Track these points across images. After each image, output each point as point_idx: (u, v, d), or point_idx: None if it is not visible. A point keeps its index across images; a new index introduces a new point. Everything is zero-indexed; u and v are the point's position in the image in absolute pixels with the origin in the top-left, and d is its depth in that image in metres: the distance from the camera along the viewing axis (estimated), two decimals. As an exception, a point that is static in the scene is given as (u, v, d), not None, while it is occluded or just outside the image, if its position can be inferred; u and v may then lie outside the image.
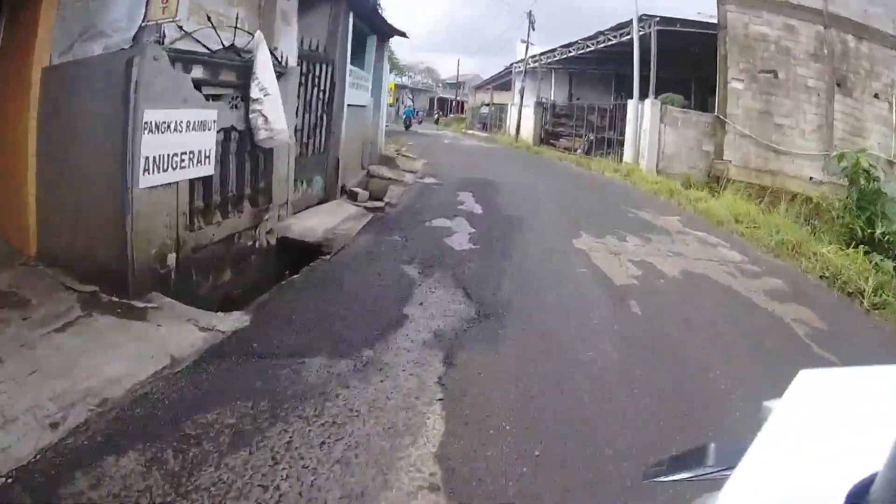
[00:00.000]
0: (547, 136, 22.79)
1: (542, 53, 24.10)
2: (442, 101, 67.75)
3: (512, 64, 28.42)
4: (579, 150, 19.11)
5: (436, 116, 49.30)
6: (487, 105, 35.99)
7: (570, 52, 20.70)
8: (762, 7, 12.47)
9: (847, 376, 0.95)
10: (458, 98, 58.88)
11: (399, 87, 61.85)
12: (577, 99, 24.65)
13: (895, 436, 0.54)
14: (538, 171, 14.00)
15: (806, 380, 0.89)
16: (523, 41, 27.19)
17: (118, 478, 2.07)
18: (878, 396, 0.84)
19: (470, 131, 34.04)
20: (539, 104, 23.58)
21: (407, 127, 31.70)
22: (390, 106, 53.51)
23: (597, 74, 24.96)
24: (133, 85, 3.42)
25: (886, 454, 0.54)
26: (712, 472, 0.88)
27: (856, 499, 0.57)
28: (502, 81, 33.76)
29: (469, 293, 4.46)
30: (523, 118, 24.34)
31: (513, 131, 25.45)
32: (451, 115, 53.39)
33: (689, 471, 0.93)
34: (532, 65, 24.98)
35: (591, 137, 18.88)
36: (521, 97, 24.64)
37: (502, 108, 30.93)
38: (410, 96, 66.12)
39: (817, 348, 4.06)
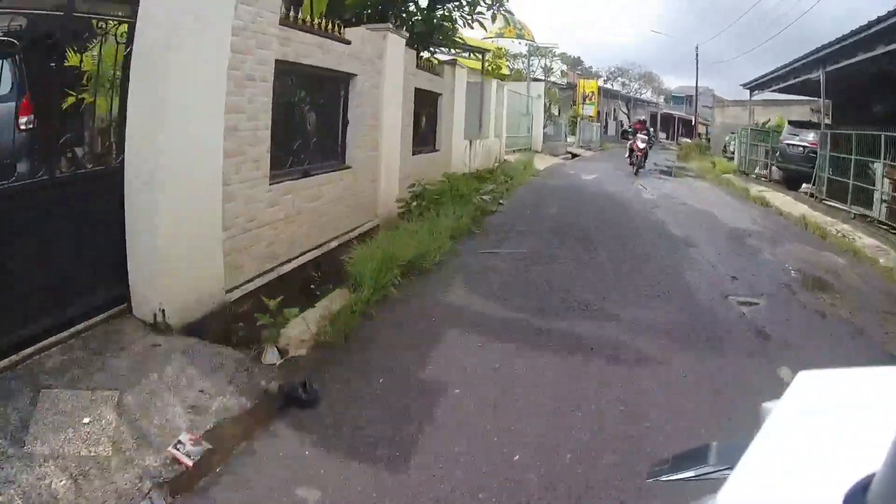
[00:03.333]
0: None
1: None
2: (667, 117, 47.98)
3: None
4: None
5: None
6: (800, 127, 16.97)
7: None
8: None
9: (846, 377, 0.94)
10: (695, 116, 39.05)
11: (605, 94, 40.68)
12: None
13: (893, 436, 0.53)
14: None
15: (804, 380, 0.90)
16: None
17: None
18: (877, 397, 0.83)
19: (763, 192, 15.69)
20: None
21: (636, 167, 16.56)
22: (591, 121, 35.22)
23: None
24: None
25: (884, 455, 0.53)
26: (714, 472, 0.88)
27: (854, 499, 0.57)
28: (833, 71, 13.18)
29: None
30: None
31: None
32: (688, 140, 34.13)
33: (692, 470, 0.92)
34: None
35: None
36: None
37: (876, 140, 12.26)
38: (625, 110, 44.88)
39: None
